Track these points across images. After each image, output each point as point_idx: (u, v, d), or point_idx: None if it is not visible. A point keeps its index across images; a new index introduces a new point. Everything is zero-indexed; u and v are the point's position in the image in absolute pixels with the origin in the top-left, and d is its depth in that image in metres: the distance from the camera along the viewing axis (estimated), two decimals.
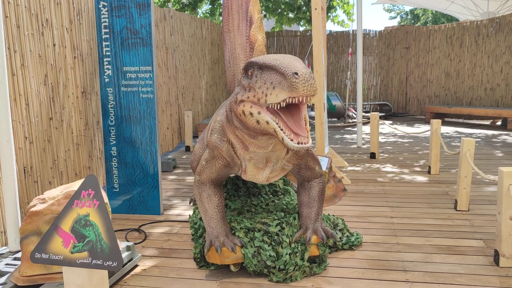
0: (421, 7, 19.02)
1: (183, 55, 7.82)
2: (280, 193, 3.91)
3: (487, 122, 10.54)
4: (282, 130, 2.29)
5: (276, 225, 3.02)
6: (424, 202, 4.43)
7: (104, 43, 4.14)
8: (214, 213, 3.00)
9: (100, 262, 1.62)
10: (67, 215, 1.70)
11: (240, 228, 3.04)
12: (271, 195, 3.82)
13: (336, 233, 3.36)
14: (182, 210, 4.37)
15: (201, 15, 14.40)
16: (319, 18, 5.00)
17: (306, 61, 9.33)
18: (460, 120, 10.81)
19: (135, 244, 3.54)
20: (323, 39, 5.40)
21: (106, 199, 2.94)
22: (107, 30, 4.11)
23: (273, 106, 2.28)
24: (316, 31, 5.01)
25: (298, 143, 2.27)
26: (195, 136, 8.54)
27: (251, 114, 2.37)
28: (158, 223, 4.04)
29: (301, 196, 3.15)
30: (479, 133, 8.94)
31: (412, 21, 28.32)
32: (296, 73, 2.14)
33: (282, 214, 3.18)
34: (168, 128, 7.06)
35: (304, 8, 12.95)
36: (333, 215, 3.62)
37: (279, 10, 12.87)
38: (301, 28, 14.32)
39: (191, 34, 8.27)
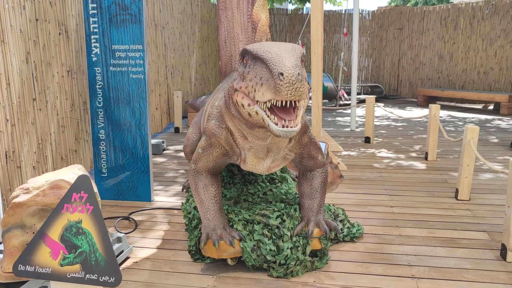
0: None
1: (172, 32, 7.52)
2: (277, 180, 3.75)
3: (479, 106, 10.47)
4: (268, 116, 2.11)
5: (277, 217, 2.86)
6: (423, 190, 4.31)
7: (91, 19, 3.87)
8: (211, 204, 2.83)
9: (94, 277, 1.43)
10: (56, 221, 1.49)
11: (239, 220, 2.87)
12: (268, 183, 3.65)
13: (337, 225, 3.21)
14: (173, 196, 4.19)
15: None
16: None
17: (299, 41, 9.08)
18: (452, 104, 10.73)
19: (126, 233, 3.36)
20: (321, 19, 5.19)
21: (95, 188, 2.74)
22: (95, 5, 3.84)
23: (260, 103, 2.10)
24: (315, 10, 4.78)
25: (282, 127, 2.08)
26: (184, 117, 8.31)
27: (243, 105, 2.19)
28: (149, 210, 3.85)
29: (303, 187, 2.98)
30: (472, 118, 8.86)
31: (402, 1, 28.01)
32: (282, 74, 1.95)
33: (282, 205, 3.01)
34: (156, 108, 6.82)
35: None
36: (333, 205, 3.48)
37: None
38: (292, 7, 13.98)
39: (180, 10, 7.96)
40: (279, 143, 2.49)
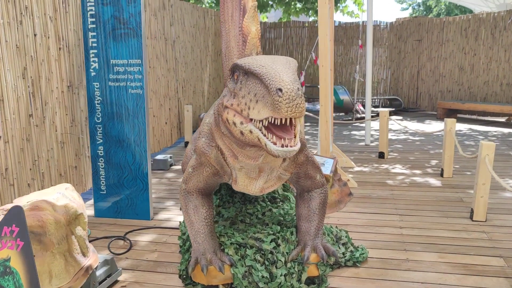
0: None
1: (183, 46, 7.46)
2: (279, 200, 3.58)
3: (502, 119, 10.08)
4: (265, 135, 1.95)
5: (271, 241, 2.69)
6: (436, 210, 4.07)
7: (90, 34, 3.80)
8: (201, 226, 2.68)
9: None
10: None
11: (231, 243, 2.71)
12: (268, 202, 3.49)
13: (339, 248, 3.02)
14: (174, 215, 4.05)
15: (207, 5, 13.99)
16: (326, 8, 4.62)
17: (313, 54, 8.92)
18: (474, 117, 10.36)
19: (118, 254, 3.24)
20: (329, 31, 5.03)
21: (81, 209, 2.63)
22: (94, 20, 3.78)
23: (255, 122, 1.95)
24: (322, 22, 4.63)
25: (282, 146, 1.93)
26: (195, 131, 8.21)
27: (234, 123, 2.04)
28: (146, 229, 3.72)
29: (300, 208, 2.81)
30: (495, 131, 8.51)
31: (424, 12, 27.62)
32: (280, 90, 1.80)
33: (278, 227, 2.84)
34: (166, 122, 6.74)
35: None
36: (336, 227, 3.28)
37: (287, 0, 12.43)
38: (310, 19, 13.87)
39: (193, 24, 7.91)
40: (272, 163, 2.33)
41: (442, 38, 11.06)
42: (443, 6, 25.89)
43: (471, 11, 16.95)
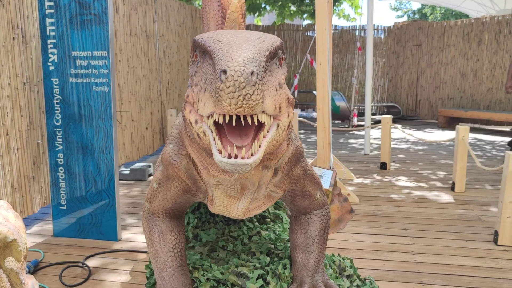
0: (431, 3, 18.04)
1: (168, 45, 6.89)
2: (269, 220, 2.99)
3: (507, 128, 9.58)
4: (214, 140, 1.32)
5: (258, 278, 2.10)
6: (452, 231, 3.50)
7: (48, 20, 3.22)
8: (168, 258, 2.08)
9: None
10: None
11: (206, 279, 2.11)
12: (257, 223, 2.89)
13: (343, 282, 2.43)
14: None
15: (198, 6, 13.46)
16: (325, 0, 4.07)
17: (308, 55, 8.38)
18: (477, 126, 9.85)
19: (73, 286, 2.63)
20: (328, 26, 4.48)
21: (15, 234, 2.04)
22: (52, 3, 3.19)
23: (209, 119, 1.33)
24: (320, 16, 4.07)
25: (229, 157, 1.29)
26: None
27: (190, 123, 1.44)
28: (111, 253, 3.12)
29: (296, 235, 2.21)
30: (501, 141, 7.99)
31: (422, 17, 27.31)
32: (224, 72, 1.20)
33: (268, 259, 2.25)
34: (147, 128, 6.13)
35: (307, 0, 11.99)
36: (339, 255, 2.69)
37: (280, 2, 11.92)
38: (304, 22, 13.38)
39: (179, 22, 7.34)
40: (254, 178, 1.73)
41: (443, 43, 10.57)
42: (438, 14, 25.59)
43: (467, 16, 16.55)
